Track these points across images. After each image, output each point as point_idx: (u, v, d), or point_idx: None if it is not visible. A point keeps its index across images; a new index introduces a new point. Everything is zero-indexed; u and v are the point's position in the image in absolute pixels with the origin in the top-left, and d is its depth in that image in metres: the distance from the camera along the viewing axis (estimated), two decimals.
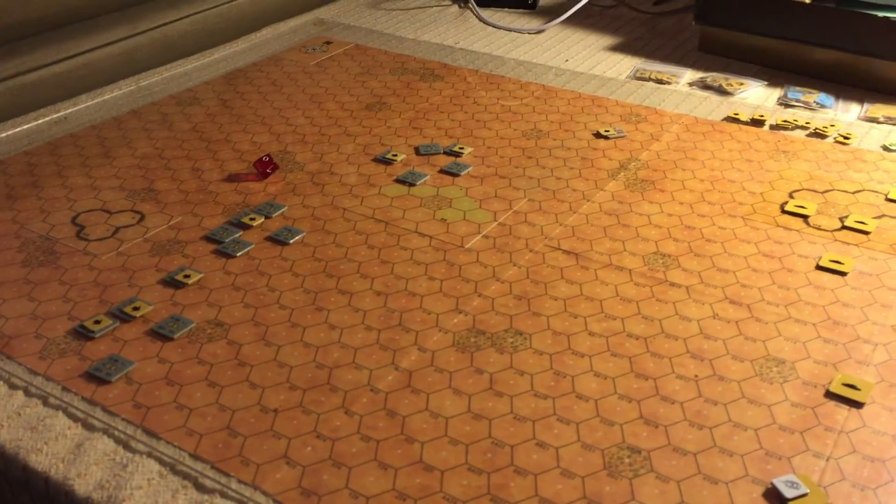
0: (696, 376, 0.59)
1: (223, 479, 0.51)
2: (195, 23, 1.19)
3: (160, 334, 0.63)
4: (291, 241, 0.75)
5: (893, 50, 0.97)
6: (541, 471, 0.52)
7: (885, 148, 0.89)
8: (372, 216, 0.79)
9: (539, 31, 1.24)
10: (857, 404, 0.56)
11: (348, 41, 1.21)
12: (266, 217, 0.78)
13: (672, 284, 0.69)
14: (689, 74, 1.09)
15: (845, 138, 0.91)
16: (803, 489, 0.49)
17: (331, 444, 0.54)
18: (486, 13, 1.30)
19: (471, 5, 1.29)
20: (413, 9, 1.35)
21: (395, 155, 0.89)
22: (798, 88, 1.03)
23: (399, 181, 0.85)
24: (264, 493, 0.50)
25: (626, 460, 0.52)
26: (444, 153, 0.90)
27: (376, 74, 1.10)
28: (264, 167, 0.85)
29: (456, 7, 1.35)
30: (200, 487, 0.50)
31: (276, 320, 0.65)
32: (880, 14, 0.96)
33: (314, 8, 1.35)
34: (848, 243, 0.73)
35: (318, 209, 0.80)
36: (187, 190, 0.83)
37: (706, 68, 1.10)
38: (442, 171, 0.87)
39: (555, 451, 0.53)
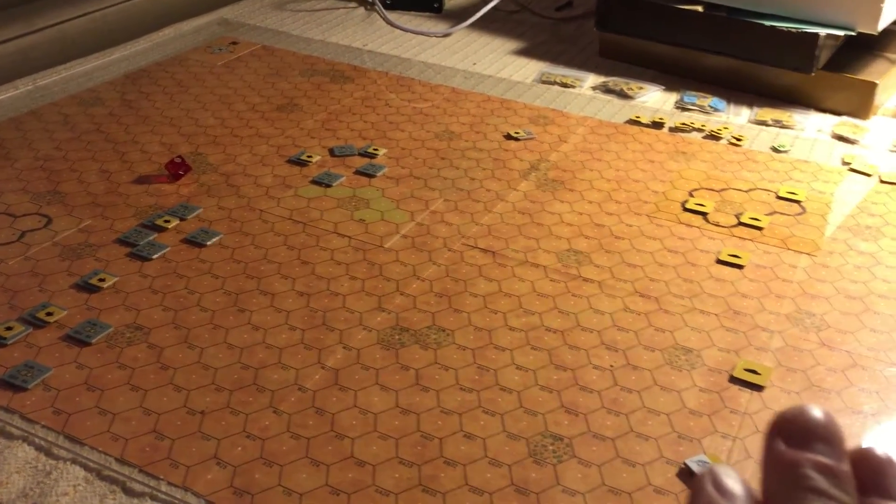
0: (611, 366, 0.62)
1: (152, 482, 0.50)
2: (95, 20, 1.15)
3: (77, 339, 0.62)
4: (209, 243, 0.74)
5: (779, 57, 1.04)
6: (469, 461, 0.54)
7: (775, 149, 0.95)
8: (290, 217, 0.79)
9: (446, 35, 1.26)
10: (758, 388, 0.60)
11: (255, 42, 1.20)
12: (181, 219, 0.77)
13: (585, 280, 0.72)
14: (592, 79, 1.13)
15: (738, 140, 0.96)
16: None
17: (261, 443, 0.54)
18: (393, 16, 1.31)
19: (377, 8, 1.30)
20: (319, 10, 1.35)
21: (310, 156, 0.90)
22: (693, 93, 1.08)
23: (315, 182, 0.85)
24: (196, 495, 0.50)
25: (550, 447, 0.55)
26: (359, 154, 0.91)
27: (286, 76, 1.10)
28: (176, 168, 0.84)
29: (362, 9, 1.35)
30: (129, 491, 0.50)
31: (197, 322, 0.64)
32: (766, 23, 1.03)
33: (218, 8, 1.33)
34: (744, 238, 0.78)
35: (235, 211, 0.79)
36: (96, 192, 0.81)
37: (608, 73, 1.15)
38: (357, 173, 0.87)
39: (482, 441, 0.55)
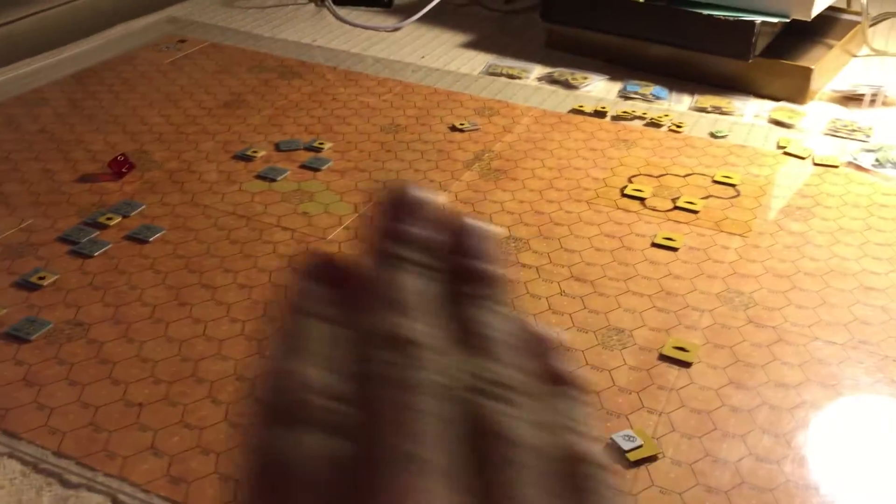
0: None
1: (89, 474, 0.51)
2: (42, 20, 1.15)
3: (15, 336, 0.62)
4: (151, 239, 0.74)
5: (718, 45, 1.06)
6: None
7: (713, 135, 0.97)
8: (233, 212, 0.80)
9: (395, 29, 1.27)
10: (686, 364, 0.62)
11: (203, 39, 1.21)
12: (124, 216, 0.78)
13: (524, 265, 0.73)
14: (538, 70, 1.15)
15: (678, 127, 0.99)
16: (638, 441, 0.54)
17: (198, 432, 0.55)
18: (343, 11, 1.32)
19: (327, 4, 1.31)
20: (269, 7, 1.35)
21: (255, 151, 0.90)
22: (636, 82, 1.10)
23: (260, 177, 0.86)
24: (132, 484, 0.51)
25: None
26: (305, 149, 0.92)
27: (234, 72, 1.10)
28: (119, 166, 0.84)
29: (312, 5, 1.36)
30: (66, 483, 0.50)
31: (138, 317, 0.65)
32: (704, 12, 1.05)
33: (167, 6, 1.33)
34: (679, 222, 0.80)
35: (178, 207, 0.80)
36: (38, 192, 0.82)
37: (553, 64, 1.16)
38: (303, 167, 0.88)
39: None
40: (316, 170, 0.88)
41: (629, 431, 0.55)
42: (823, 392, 0.59)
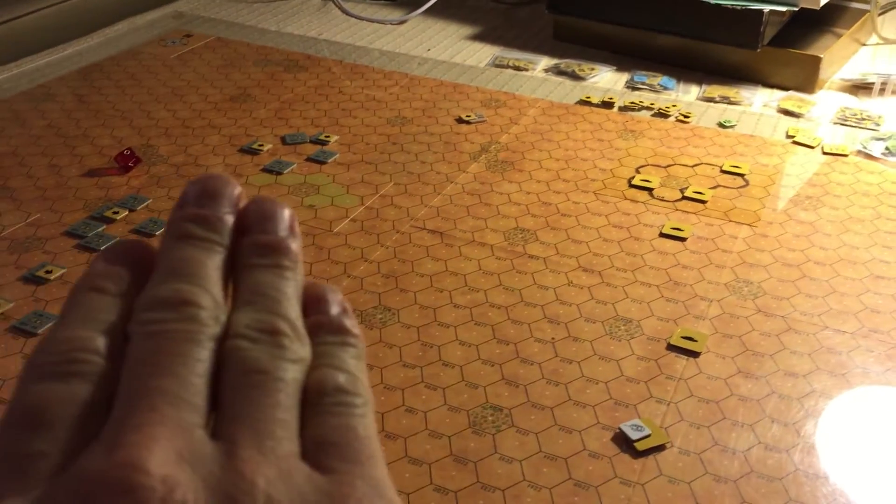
0: (552, 339, 0.63)
1: None
2: (47, 17, 1.15)
3: (22, 330, 0.62)
4: (158, 233, 0.74)
5: (726, 35, 1.05)
6: (410, 434, 0.55)
7: (721, 125, 0.97)
8: None
9: (401, 22, 1.27)
10: (695, 354, 0.62)
11: (209, 34, 1.20)
12: (130, 210, 0.78)
13: (531, 257, 0.73)
14: (545, 61, 1.14)
15: (685, 117, 0.98)
16: (647, 431, 0.54)
17: None
18: (349, 5, 1.31)
19: None
20: (275, 1, 1.35)
21: (262, 145, 0.90)
22: (644, 72, 1.10)
23: (266, 170, 0.86)
24: None
25: (490, 418, 0.56)
26: (311, 142, 0.92)
27: (240, 66, 1.10)
28: (126, 161, 0.84)
29: (320, 0, 1.36)
30: None
31: None
32: (712, 1, 1.04)
33: (172, 1, 1.33)
34: (687, 212, 0.80)
35: None
36: (45, 187, 0.82)
37: (560, 55, 1.16)
38: (309, 160, 0.88)
39: (423, 414, 0.56)
40: (322, 162, 0.88)
41: (637, 421, 0.55)
42: (833, 381, 0.59)
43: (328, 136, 0.92)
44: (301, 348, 0.18)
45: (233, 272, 0.19)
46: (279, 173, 0.85)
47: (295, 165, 0.87)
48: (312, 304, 0.20)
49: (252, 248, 0.20)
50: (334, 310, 0.20)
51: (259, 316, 0.18)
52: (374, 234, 0.76)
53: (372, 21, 1.27)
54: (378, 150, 0.91)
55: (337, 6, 1.30)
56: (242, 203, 0.20)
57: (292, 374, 0.18)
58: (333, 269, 0.71)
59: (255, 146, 0.90)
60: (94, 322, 0.18)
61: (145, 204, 0.79)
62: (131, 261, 0.20)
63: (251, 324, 0.18)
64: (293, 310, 0.19)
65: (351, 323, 0.20)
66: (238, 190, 0.20)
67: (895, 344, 0.62)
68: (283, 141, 0.92)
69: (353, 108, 0.99)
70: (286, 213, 0.21)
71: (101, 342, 0.18)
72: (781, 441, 0.54)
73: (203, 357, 0.17)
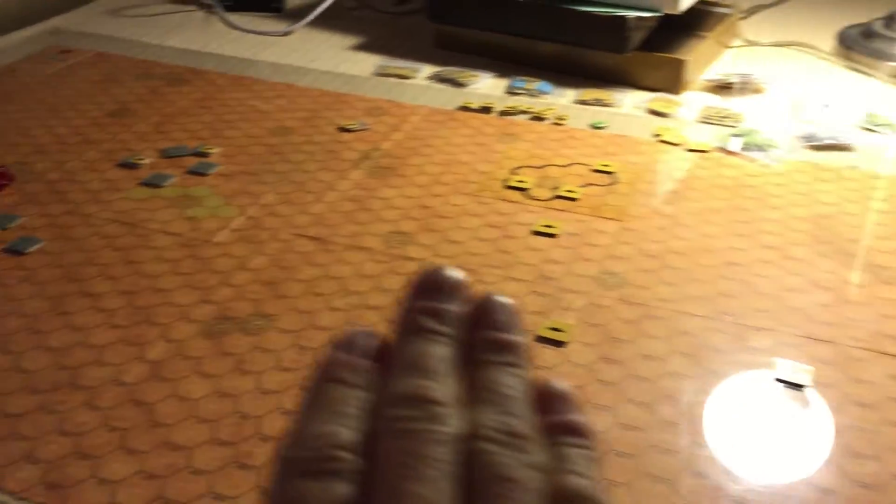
0: None
1: None
2: None
3: None
4: (29, 251, 0.73)
5: (596, 40, 1.10)
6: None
7: (593, 126, 1.01)
8: (116, 220, 0.79)
9: (286, 33, 1.28)
10: (561, 343, 0.65)
11: (89, 49, 1.19)
12: (2, 229, 0.76)
13: (409, 258, 0.75)
14: (428, 69, 1.17)
15: (560, 120, 1.02)
16: None
17: (76, 438, 0.55)
18: (233, 17, 1.31)
19: (216, 10, 1.30)
20: (157, 15, 1.34)
21: (141, 159, 0.90)
22: (522, 78, 1.14)
23: (145, 184, 0.86)
24: (8, 493, 0.50)
25: None
26: (192, 154, 0.92)
27: (120, 81, 1.09)
28: None
29: (202, 12, 1.35)
30: None
31: (14, 329, 0.64)
32: (581, 9, 1.09)
33: (50, 17, 1.30)
34: (559, 210, 0.83)
35: (59, 217, 0.79)
36: None
37: (443, 63, 1.19)
38: (189, 172, 0.88)
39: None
40: (203, 174, 0.88)
41: None
42: (686, 361, 0.63)
43: (210, 149, 0.93)
44: (541, 452, 0.19)
45: (465, 366, 0.20)
46: (158, 186, 0.85)
47: (175, 178, 0.87)
48: (545, 402, 0.21)
49: (486, 345, 0.20)
50: (570, 410, 0.21)
51: (500, 417, 0.19)
52: (254, 244, 0.77)
53: (256, 33, 1.28)
54: (260, 160, 0.91)
55: (221, 19, 1.30)
56: (469, 294, 0.21)
57: (538, 482, 0.18)
58: (212, 279, 0.71)
59: (134, 160, 0.89)
60: (342, 417, 0.19)
61: (17, 222, 0.78)
62: (367, 351, 0.21)
63: (494, 425, 0.19)
64: (529, 410, 0.20)
65: (585, 424, 0.21)
66: (466, 282, 0.21)
67: (744, 324, 0.67)
68: (164, 154, 0.91)
69: (236, 120, 1.00)
70: (515, 309, 0.22)
71: (352, 439, 0.18)
72: (637, 420, 0.58)
73: (450, 459, 0.18)
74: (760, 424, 0.57)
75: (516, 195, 0.86)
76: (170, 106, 1.03)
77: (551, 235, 0.79)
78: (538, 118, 1.03)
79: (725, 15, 1.24)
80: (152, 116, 1.00)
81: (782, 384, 0.61)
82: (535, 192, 0.87)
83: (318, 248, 0.76)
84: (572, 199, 0.85)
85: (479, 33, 1.20)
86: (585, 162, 0.93)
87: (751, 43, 1.28)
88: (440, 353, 0.20)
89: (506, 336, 0.21)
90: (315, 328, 0.66)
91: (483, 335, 0.21)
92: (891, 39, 1.20)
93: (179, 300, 0.69)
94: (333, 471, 0.18)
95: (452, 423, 0.18)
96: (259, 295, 0.70)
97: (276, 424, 0.57)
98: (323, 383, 0.20)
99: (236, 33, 1.27)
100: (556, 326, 0.67)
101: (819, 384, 0.61)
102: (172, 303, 0.68)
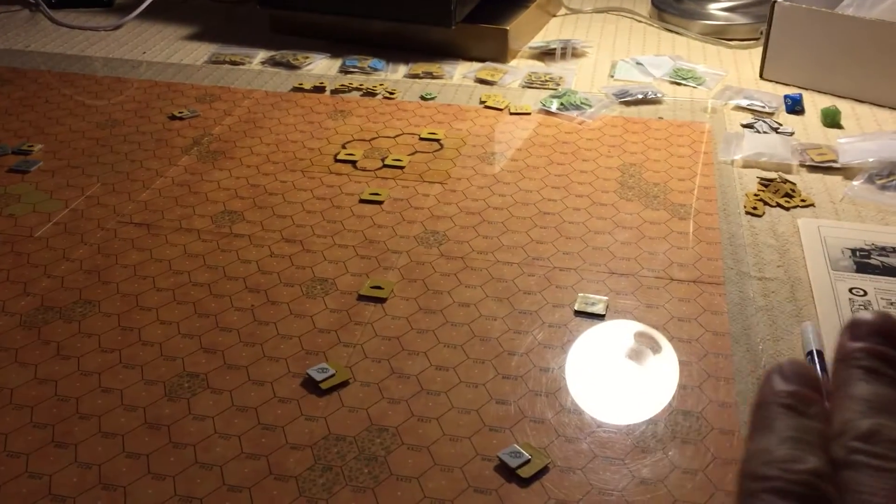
0: (252, 306, 0.67)
1: None
2: None
3: None
4: None
5: (423, 15, 1.13)
6: (105, 411, 0.57)
7: (423, 98, 1.04)
8: None
9: (116, 28, 1.26)
10: (382, 300, 0.68)
11: None
12: None
13: (236, 235, 0.77)
14: (262, 54, 1.18)
15: (391, 94, 1.05)
16: (331, 371, 0.59)
17: None
18: (60, 14, 1.28)
19: (41, 8, 1.27)
20: None
21: None
22: (355, 57, 1.16)
23: None
24: None
25: (186, 385, 0.59)
26: (13, 153, 0.90)
27: None
28: None
29: (27, 11, 1.31)
30: None
31: None
32: None
33: None
34: (386, 178, 0.86)
35: None
36: None
37: (278, 47, 1.20)
38: (10, 171, 0.87)
39: (119, 392, 0.58)
40: (25, 172, 0.86)
41: (323, 364, 0.60)
42: (497, 304, 0.67)
43: (31, 146, 0.91)
44: None
45: None
46: None
47: None
48: None
49: None
50: None
51: None
52: (77, 235, 0.76)
53: (84, 29, 1.25)
54: (86, 153, 0.90)
55: (46, 16, 1.27)
56: None
57: None
58: (33, 272, 0.71)
59: None
60: (805, 444, 0.20)
61: None
62: (806, 382, 0.21)
63: None
64: None
65: None
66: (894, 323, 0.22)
67: (552, 266, 0.72)
68: None
69: (61, 116, 0.98)
70: None
71: (822, 467, 0.19)
72: (448, 360, 0.61)
73: None
74: (559, 354, 0.62)
75: (345, 168, 0.88)
76: None
77: (378, 202, 0.82)
78: (370, 94, 1.06)
79: None
80: None
81: (580, 315, 0.66)
82: (364, 164, 0.89)
83: (144, 234, 0.77)
84: (399, 168, 0.88)
85: (312, 15, 1.21)
86: (413, 132, 0.96)
87: (574, 11, 1.34)
88: (892, 395, 0.21)
89: None
90: (140, 309, 0.67)
91: None
92: (700, 0, 1.28)
93: None
94: (807, 496, 0.19)
95: None
96: (81, 283, 0.70)
97: (97, 403, 0.57)
98: (772, 407, 0.21)
99: (63, 30, 1.24)
100: (377, 284, 0.69)
101: (614, 312, 0.66)
102: None
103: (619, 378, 0.60)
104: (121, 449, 0.54)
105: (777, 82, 1.07)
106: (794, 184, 0.83)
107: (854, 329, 0.22)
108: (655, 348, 0.62)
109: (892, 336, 0.22)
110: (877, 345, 0.22)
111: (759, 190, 0.83)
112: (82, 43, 1.20)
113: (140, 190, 0.84)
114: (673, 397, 0.58)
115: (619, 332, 0.64)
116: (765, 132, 0.94)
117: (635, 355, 0.62)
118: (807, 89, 1.04)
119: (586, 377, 0.60)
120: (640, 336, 0.64)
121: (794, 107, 0.99)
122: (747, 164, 0.87)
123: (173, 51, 1.19)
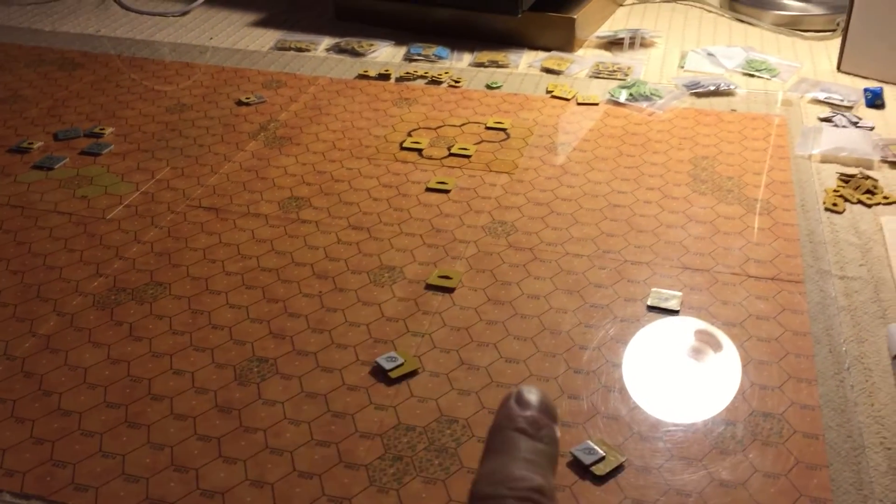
0: (319, 292, 0.67)
1: None
2: None
3: None
4: None
5: (489, 3, 1.12)
6: (176, 393, 0.57)
7: (488, 86, 1.03)
8: (7, 203, 0.78)
9: (183, 14, 1.27)
10: (450, 290, 0.67)
11: None
12: None
13: (303, 221, 0.76)
14: (327, 41, 1.18)
15: (456, 82, 1.04)
16: (400, 360, 0.59)
17: None
18: (129, 0, 1.30)
19: None
20: (49, 2, 1.31)
21: (31, 143, 0.89)
22: (420, 45, 1.15)
23: (36, 167, 0.85)
24: None
25: (255, 369, 0.59)
26: (85, 136, 0.91)
27: (10, 69, 1.07)
28: None
29: None
30: None
31: None
32: None
33: None
34: (453, 167, 0.85)
35: None
36: None
37: (343, 34, 1.20)
38: (82, 153, 0.88)
39: (190, 374, 0.59)
40: (97, 154, 0.88)
41: (392, 353, 0.60)
42: (568, 297, 0.66)
43: (103, 129, 0.92)
44: None
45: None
46: (50, 168, 0.84)
47: (67, 160, 0.86)
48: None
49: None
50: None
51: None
52: (148, 217, 0.77)
53: (152, 14, 1.26)
54: (155, 137, 0.91)
55: (115, 1, 1.28)
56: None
57: None
58: (105, 254, 0.72)
59: (24, 145, 0.88)
60: (534, 465, 0.22)
61: None
62: (540, 408, 0.24)
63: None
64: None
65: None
66: (546, 398, 0.25)
67: (623, 260, 0.70)
68: (55, 137, 0.91)
69: (131, 100, 0.99)
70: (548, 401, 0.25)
71: (546, 485, 0.22)
72: (520, 353, 0.60)
73: None
74: (632, 349, 0.61)
75: (411, 156, 0.88)
76: (62, 90, 1.02)
77: (444, 191, 0.81)
78: (435, 82, 1.05)
79: None
80: (44, 101, 0.99)
81: (653, 311, 0.64)
82: (430, 152, 0.88)
83: (213, 218, 0.77)
84: (466, 157, 0.87)
85: (377, 3, 1.21)
86: (479, 121, 0.95)
87: (642, 0, 1.31)
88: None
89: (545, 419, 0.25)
90: (209, 292, 0.67)
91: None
92: None
93: (71, 275, 0.69)
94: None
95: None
96: (153, 266, 0.70)
97: (169, 385, 0.58)
98: (510, 432, 0.23)
99: (132, 16, 1.26)
100: (445, 274, 0.69)
101: (689, 308, 0.64)
102: (64, 278, 0.68)
103: (694, 376, 0.59)
104: (192, 431, 0.54)
105: (856, 75, 1.03)
106: (875, 180, 0.80)
107: (517, 397, 0.25)
108: (732, 346, 0.61)
109: (539, 406, 0.25)
110: (529, 412, 0.24)
111: (838, 186, 0.80)
112: (150, 28, 1.22)
113: (209, 174, 0.84)
114: (753, 398, 0.56)
115: (693, 329, 0.63)
116: (844, 126, 0.90)
117: (711, 353, 0.60)
118: (888, 83, 1.00)
119: (661, 374, 0.59)
120: (715, 333, 0.62)
121: (875, 100, 0.96)
122: (826, 160, 0.84)
123: (239, 37, 1.19)
